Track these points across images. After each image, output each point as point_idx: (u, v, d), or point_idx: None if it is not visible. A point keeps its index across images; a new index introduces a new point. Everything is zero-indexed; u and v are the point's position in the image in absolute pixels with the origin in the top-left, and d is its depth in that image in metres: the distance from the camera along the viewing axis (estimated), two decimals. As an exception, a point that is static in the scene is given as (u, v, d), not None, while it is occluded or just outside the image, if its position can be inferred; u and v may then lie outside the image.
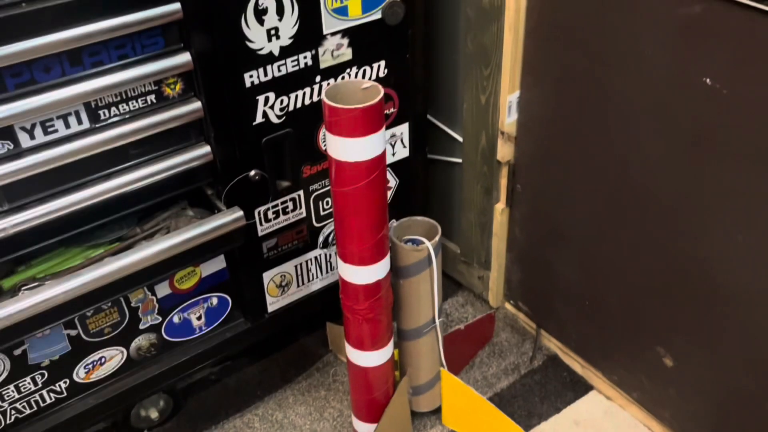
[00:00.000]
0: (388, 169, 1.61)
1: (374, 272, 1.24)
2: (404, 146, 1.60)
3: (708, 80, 1.11)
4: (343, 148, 1.09)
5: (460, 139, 1.67)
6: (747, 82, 1.07)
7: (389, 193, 1.65)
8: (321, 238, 1.57)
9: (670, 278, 1.33)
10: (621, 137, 1.31)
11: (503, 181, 1.63)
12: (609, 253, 1.45)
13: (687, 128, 1.19)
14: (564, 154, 1.46)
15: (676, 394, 1.43)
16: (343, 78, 1.37)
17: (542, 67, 1.42)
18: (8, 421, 1.33)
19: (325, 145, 1.36)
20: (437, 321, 1.40)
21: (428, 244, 1.29)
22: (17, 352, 1.28)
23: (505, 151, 1.58)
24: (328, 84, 1.34)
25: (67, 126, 1.14)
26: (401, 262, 1.32)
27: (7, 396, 1.31)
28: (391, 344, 1.38)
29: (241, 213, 1.32)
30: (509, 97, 1.50)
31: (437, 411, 1.59)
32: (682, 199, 1.25)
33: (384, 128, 1.10)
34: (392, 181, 1.64)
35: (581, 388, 1.65)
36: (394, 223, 1.39)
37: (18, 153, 1.11)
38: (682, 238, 1.28)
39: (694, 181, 1.21)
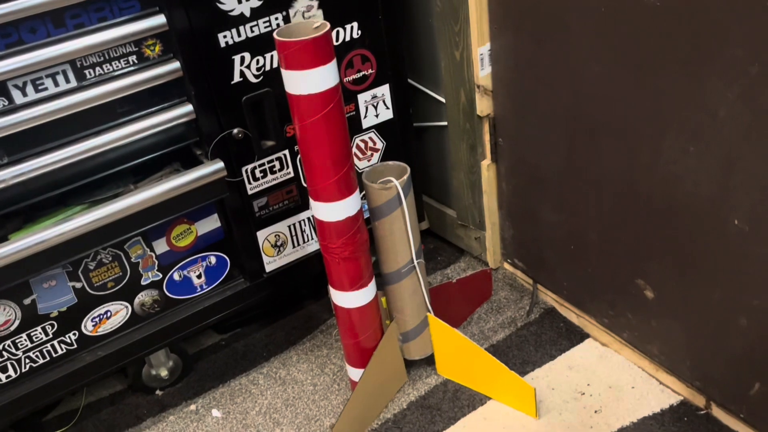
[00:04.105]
0: (374, 131, 1.69)
1: (343, 208, 1.31)
2: (387, 108, 1.68)
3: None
4: (297, 82, 1.17)
5: (444, 100, 1.74)
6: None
7: (377, 156, 1.72)
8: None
9: (635, 206, 1.35)
10: (579, 73, 1.35)
11: (486, 136, 1.68)
12: (581, 191, 1.47)
13: (629, 49, 1.22)
14: (533, 99, 1.50)
15: (659, 326, 1.43)
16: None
17: (506, 15, 1.48)
18: (23, 370, 1.45)
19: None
20: (415, 261, 1.45)
21: (396, 182, 1.35)
22: (27, 301, 1.40)
23: (483, 105, 1.63)
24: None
25: (56, 84, 1.27)
26: (373, 203, 1.38)
27: (21, 344, 1.43)
28: (371, 286, 1.44)
29: (221, 164, 1.42)
30: (480, 49, 1.56)
31: (433, 362, 1.63)
32: (635, 123, 1.28)
33: (334, 61, 1.18)
34: (379, 144, 1.71)
35: (577, 336, 1.66)
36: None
37: (13, 109, 1.24)
38: (640, 162, 1.30)
39: (642, 102, 1.24)
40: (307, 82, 1.17)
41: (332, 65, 1.18)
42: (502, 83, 1.58)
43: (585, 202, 1.49)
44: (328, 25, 1.17)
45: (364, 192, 1.41)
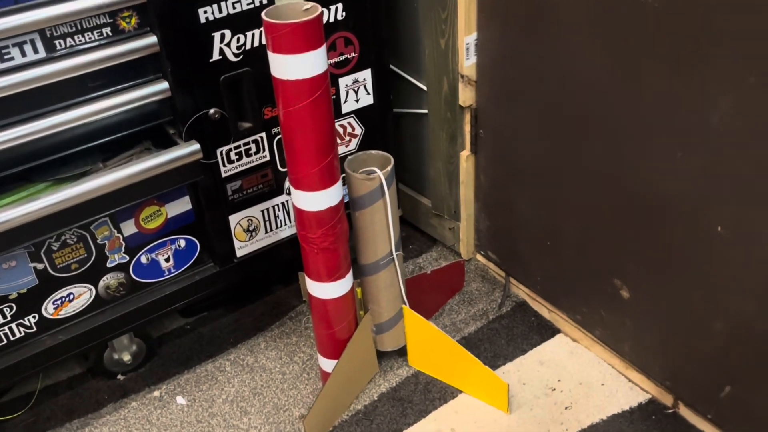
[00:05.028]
0: (354, 116, 1.65)
1: (325, 198, 1.27)
2: (368, 93, 1.63)
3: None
4: (285, 66, 1.12)
5: (426, 88, 1.70)
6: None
7: (355, 141, 1.68)
8: (287, 184, 1.60)
9: (618, 205, 1.35)
10: (568, 68, 1.34)
11: (467, 127, 1.66)
12: (562, 187, 1.47)
13: (622, 46, 1.21)
14: (518, 92, 1.48)
15: (632, 326, 1.45)
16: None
17: (495, 5, 1.45)
18: (-22, 353, 1.38)
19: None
20: (394, 254, 1.42)
21: (380, 173, 1.32)
22: (-16, 282, 1.33)
23: (466, 95, 1.60)
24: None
25: (23, 54, 1.19)
26: (355, 193, 1.35)
27: (-24, 327, 1.35)
28: (349, 277, 1.41)
29: (197, 146, 1.36)
30: (466, 38, 1.52)
31: (404, 353, 1.61)
32: (622, 123, 1.27)
33: (324, 46, 1.14)
34: (358, 129, 1.67)
35: (548, 331, 1.67)
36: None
37: (-25, 79, 1.15)
38: (626, 161, 1.30)
39: (632, 102, 1.23)
40: (296, 66, 1.12)
41: (322, 50, 1.13)
42: (487, 74, 1.55)
43: (565, 199, 1.48)
44: (319, 8, 1.12)
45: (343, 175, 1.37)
